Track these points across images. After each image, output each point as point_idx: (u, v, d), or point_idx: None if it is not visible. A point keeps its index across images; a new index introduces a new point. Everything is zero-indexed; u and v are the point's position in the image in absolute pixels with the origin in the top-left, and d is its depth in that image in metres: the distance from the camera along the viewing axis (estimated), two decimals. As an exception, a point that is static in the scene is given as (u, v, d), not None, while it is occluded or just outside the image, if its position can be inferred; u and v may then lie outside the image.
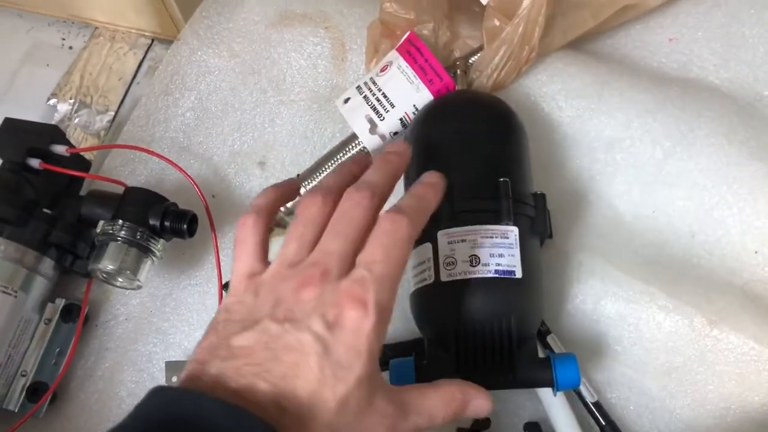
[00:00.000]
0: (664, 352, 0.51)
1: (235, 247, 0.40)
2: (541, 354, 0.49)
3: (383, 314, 0.35)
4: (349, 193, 0.38)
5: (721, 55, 0.61)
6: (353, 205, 0.38)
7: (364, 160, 0.44)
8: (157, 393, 0.32)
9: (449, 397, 0.38)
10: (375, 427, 0.35)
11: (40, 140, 0.56)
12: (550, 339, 0.52)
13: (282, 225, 0.58)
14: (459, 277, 0.46)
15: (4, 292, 0.52)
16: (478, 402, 0.39)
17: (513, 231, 0.47)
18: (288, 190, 0.44)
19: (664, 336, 0.51)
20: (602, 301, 0.53)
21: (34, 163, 0.56)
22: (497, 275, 0.46)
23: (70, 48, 0.72)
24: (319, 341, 0.34)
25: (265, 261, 0.39)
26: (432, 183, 0.41)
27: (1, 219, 0.52)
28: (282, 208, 0.58)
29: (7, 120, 0.57)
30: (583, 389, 0.51)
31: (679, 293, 0.52)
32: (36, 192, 0.55)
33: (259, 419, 0.30)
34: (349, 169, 0.43)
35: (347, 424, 0.34)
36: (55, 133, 0.57)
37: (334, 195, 0.39)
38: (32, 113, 0.58)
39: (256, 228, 0.40)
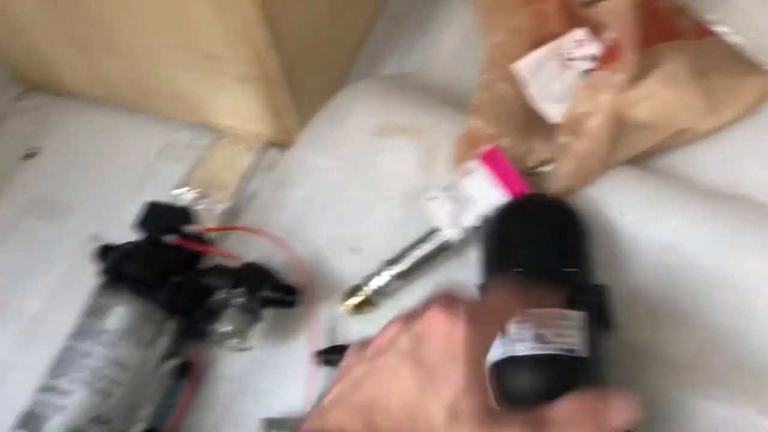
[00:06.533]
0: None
1: None
2: None
3: (476, 323, 0.34)
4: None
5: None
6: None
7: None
8: None
9: (583, 407, 0.34)
10: None
11: (176, 220, 0.68)
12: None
13: (372, 303, 0.67)
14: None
15: (136, 344, 0.62)
16: (617, 409, 0.34)
17: (579, 315, 0.54)
18: None
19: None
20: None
21: (169, 239, 0.67)
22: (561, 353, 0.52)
23: (197, 147, 0.85)
24: (406, 356, 0.33)
25: None
26: None
27: (143, 282, 0.63)
28: (372, 286, 0.66)
29: (151, 203, 0.69)
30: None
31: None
32: (169, 262, 0.66)
33: None
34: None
35: None
36: (188, 214, 0.69)
37: None
38: (163, 199, 0.70)
39: None
